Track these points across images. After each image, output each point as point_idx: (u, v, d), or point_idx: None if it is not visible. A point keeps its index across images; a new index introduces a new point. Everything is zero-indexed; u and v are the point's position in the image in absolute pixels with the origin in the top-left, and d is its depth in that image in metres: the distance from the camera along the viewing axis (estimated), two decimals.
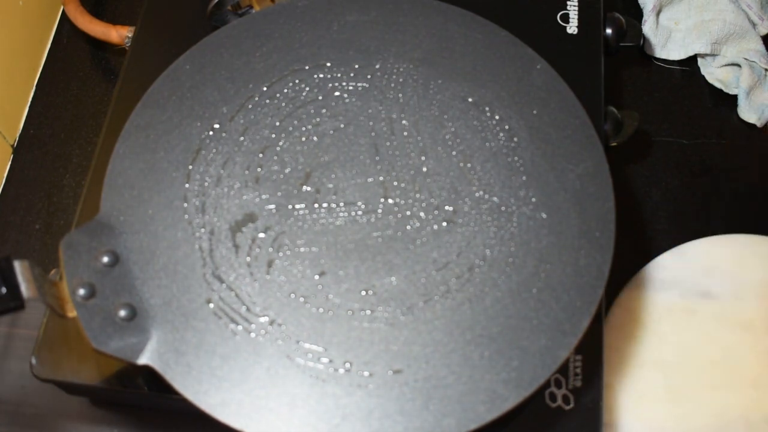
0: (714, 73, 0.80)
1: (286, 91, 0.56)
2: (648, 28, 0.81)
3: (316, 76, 0.57)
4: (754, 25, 0.80)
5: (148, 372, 0.47)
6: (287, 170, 0.54)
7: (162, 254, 0.50)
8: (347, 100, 0.56)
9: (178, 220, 0.52)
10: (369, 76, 0.57)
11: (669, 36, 0.81)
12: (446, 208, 0.53)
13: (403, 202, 0.53)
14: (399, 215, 0.52)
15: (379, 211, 0.52)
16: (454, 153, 0.54)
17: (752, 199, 0.76)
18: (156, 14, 0.69)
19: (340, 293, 0.50)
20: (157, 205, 0.52)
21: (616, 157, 0.58)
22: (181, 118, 0.55)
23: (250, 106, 0.56)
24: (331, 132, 0.55)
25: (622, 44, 0.70)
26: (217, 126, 0.55)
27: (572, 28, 0.67)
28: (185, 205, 0.52)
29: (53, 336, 0.55)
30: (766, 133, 0.79)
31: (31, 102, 0.80)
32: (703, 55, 0.81)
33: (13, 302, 0.45)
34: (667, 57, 0.81)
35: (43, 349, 0.55)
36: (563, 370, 0.54)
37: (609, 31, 0.69)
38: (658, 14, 0.81)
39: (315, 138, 0.55)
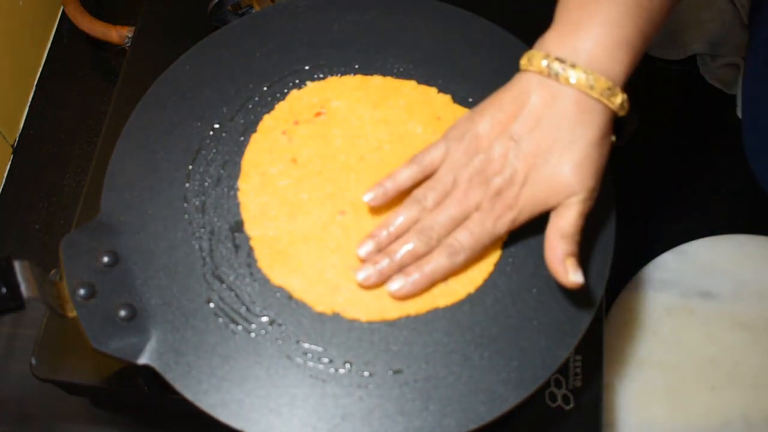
0: (713, 73, 0.80)
1: (286, 91, 0.56)
2: None
3: (316, 76, 0.57)
4: (746, 25, 0.80)
5: (148, 372, 0.47)
6: None
7: (162, 254, 0.50)
8: None
9: (178, 220, 0.52)
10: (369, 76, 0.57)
11: (669, 36, 0.81)
12: None
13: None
14: None
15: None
16: None
17: (752, 199, 0.76)
18: (156, 14, 0.69)
19: None
20: (157, 205, 0.52)
21: (616, 157, 0.58)
22: (181, 118, 0.55)
23: (250, 106, 0.56)
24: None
25: None
26: (217, 126, 0.55)
27: None
28: (185, 205, 0.52)
29: (53, 336, 0.55)
30: None
31: (31, 102, 0.80)
32: (703, 55, 0.81)
33: (13, 302, 0.45)
34: (667, 57, 0.81)
35: (43, 349, 0.55)
36: (563, 370, 0.54)
37: None
38: None
39: None
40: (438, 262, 0.48)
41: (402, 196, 0.50)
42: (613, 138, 0.48)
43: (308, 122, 0.55)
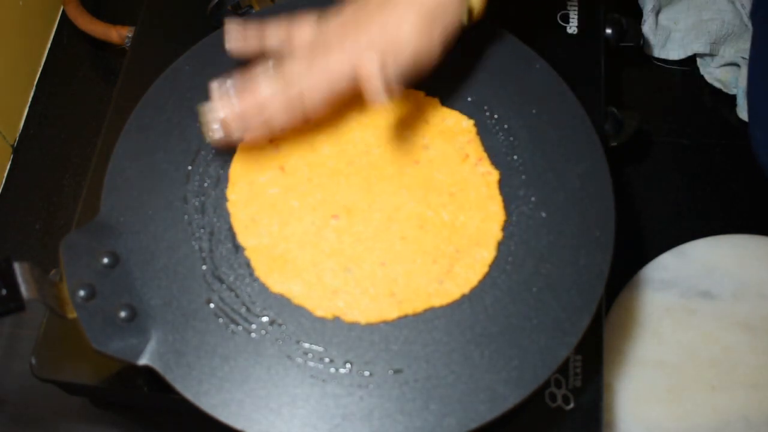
0: (713, 73, 0.80)
1: None
2: (648, 28, 0.81)
3: None
4: (746, 25, 0.80)
5: (148, 372, 0.47)
6: None
7: (162, 255, 0.50)
8: None
9: (178, 220, 0.52)
10: None
11: (668, 36, 0.81)
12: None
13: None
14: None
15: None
16: None
17: (752, 199, 0.76)
18: (156, 14, 0.69)
19: None
20: (156, 205, 0.52)
21: (616, 157, 0.58)
22: (181, 118, 0.55)
23: None
24: None
25: (622, 44, 0.70)
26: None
27: (572, 28, 0.67)
28: (185, 205, 0.52)
29: (53, 336, 0.55)
30: None
31: (31, 102, 0.80)
32: (702, 55, 0.81)
33: (14, 303, 0.45)
34: (667, 57, 0.81)
35: (43, 349, 0.55)
36: (563, 370, 0.54)
37: (609, 31, 0.69)
38: (657, 14, 0.81)
39: None
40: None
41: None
42: (465, 20, 0.51)
43: (294, 130, 0.55)
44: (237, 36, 0.52)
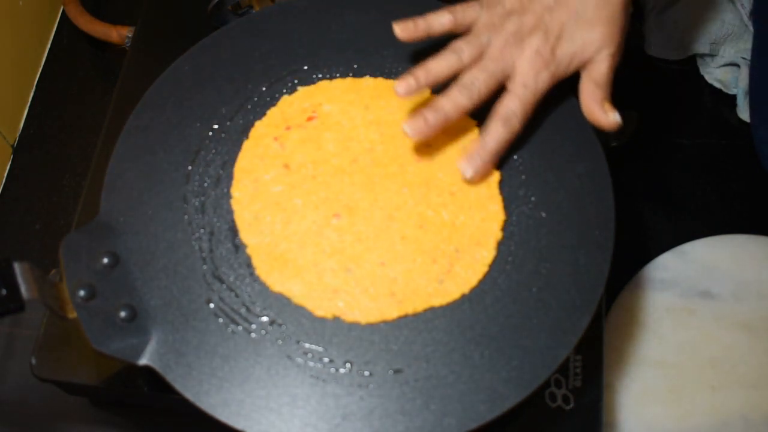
0: (713, 73, 0.80)
1: (284, 91, 0.56)
2: (648, 28, 0.81)
3: (315, 76, 0.57)
4: (746, 25, 0.80)
5: (148, 372, 0.47)
6: None
7: (162, 255, 0.50)
8: None
9: (178, 220, 0.52)
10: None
11: (669, 36, 0.81)
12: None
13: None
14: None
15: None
16: None
17: (752, 199, 0.76)
18: (156, 14, 0.69)
19: None
20: (156, 205, 0.52)
21: (616, 157, 0.58)
22: (181, 118, 0.55)
23: (249, 107, 0.56)
24: None
25: None
26: (216, 126, 0.55)
27: None
28: (185, 205, 0.52)
29: (53, 336, 0.55)
30: None
31: (31, 102, 0.80)
32: (702, 55, 0.81)
33: (13, 304, 0.45)
34: (667, 57, 0.81)
35: (43, 349, 0.55)
36: (563, 370, 0.54)
37: None
38: (657, 14, 0.81)
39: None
40: (498, 133, 0.51)
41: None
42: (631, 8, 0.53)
43: (300, 127, 0.55)
44: (406, 26, 0.53)
